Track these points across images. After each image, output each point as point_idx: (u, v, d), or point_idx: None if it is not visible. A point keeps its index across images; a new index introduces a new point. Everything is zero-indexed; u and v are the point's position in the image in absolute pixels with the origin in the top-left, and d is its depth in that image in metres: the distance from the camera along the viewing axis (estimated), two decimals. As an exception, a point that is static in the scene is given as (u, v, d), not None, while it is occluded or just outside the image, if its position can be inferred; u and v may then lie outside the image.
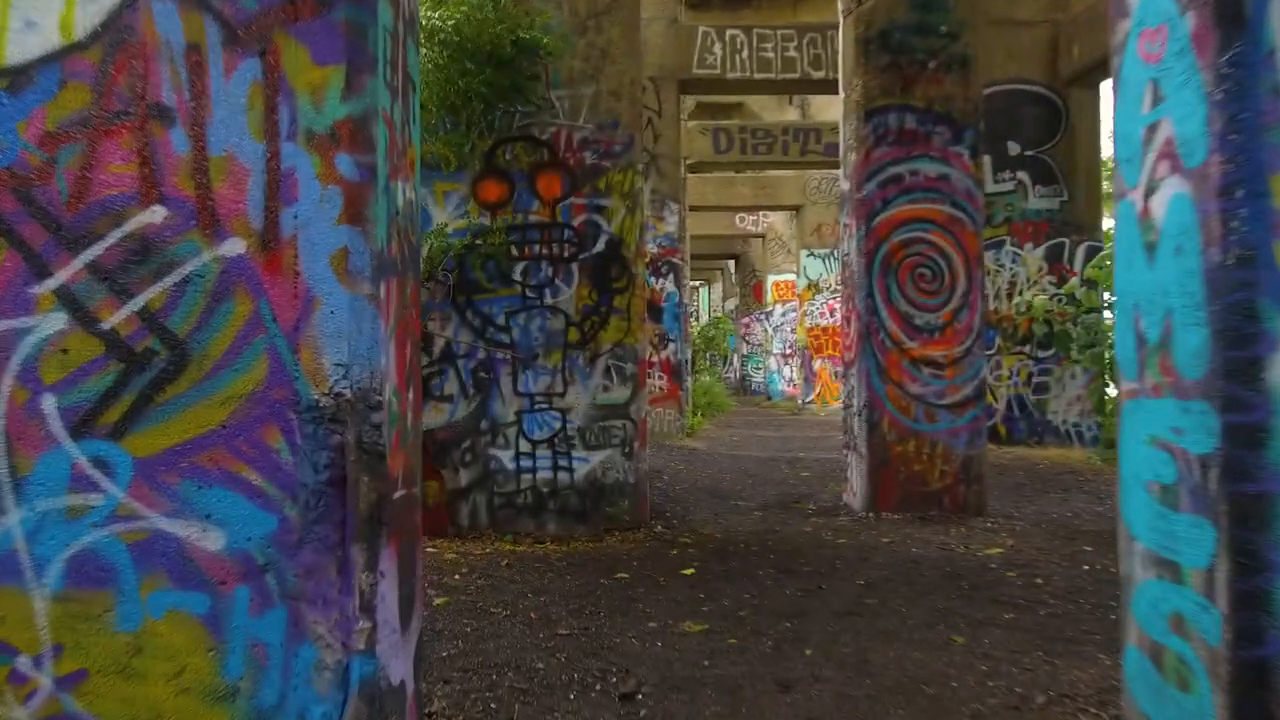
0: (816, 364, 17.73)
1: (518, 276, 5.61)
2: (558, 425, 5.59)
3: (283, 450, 1.92)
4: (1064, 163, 9.97)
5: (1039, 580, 4.27)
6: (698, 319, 35.76)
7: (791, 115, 17.29)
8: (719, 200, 18.06)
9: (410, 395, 2.36)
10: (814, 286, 17.83)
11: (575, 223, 5.62)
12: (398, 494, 2.16)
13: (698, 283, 36.68)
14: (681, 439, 9.68)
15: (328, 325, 1.94)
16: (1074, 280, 9.56)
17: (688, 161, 13.78)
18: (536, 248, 5.62)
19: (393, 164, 2.17)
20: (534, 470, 5.59)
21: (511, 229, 5.61)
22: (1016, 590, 4.09)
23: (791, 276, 20.29)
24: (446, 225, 5.57)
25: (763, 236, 21.98)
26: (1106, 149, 10.39)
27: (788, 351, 21.19)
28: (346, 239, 1.95)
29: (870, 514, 5.76)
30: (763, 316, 23.25)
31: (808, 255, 17.76)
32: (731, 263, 27.95)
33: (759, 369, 24.35)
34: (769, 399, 21.89)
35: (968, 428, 5.80)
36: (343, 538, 1.92)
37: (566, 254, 5.62)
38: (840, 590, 4.08)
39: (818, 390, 17.67)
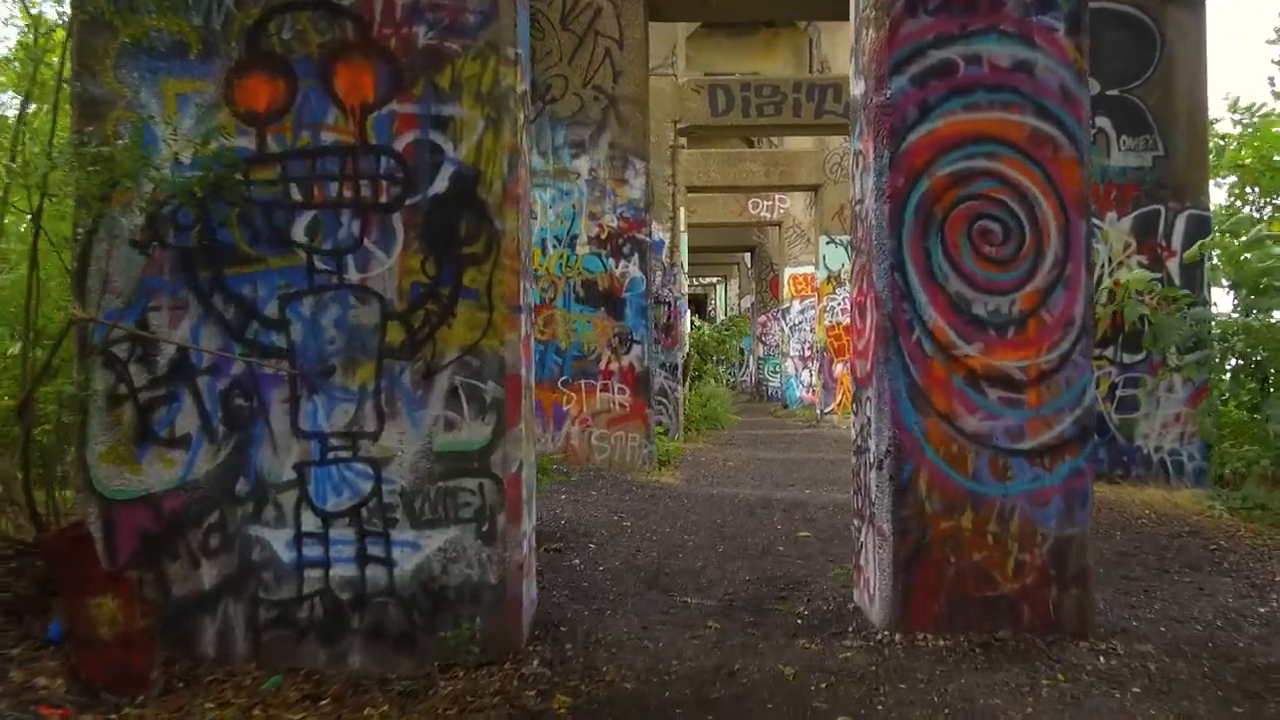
0: (837, 368, 15.32)
1: (301, 236, 3.34)
2: (368, 487, 3.31)
3: None
4: (1158, 106, 7.51)
5: None
6: (711, 319, 33.49)
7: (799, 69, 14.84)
8: (725, 179, 15.70)
9: None
10: (835, 279, 15.43)
11: (399, 145, 3.34)
12: None
13: (714, 279, 34.42)
14: (649, 473, 7.37)
15: None
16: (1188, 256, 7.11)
17: (679, 126, 11.46)
18: (333, 188, 3.34)
19: None
20: (326, 563, 3.31)
21: (291, 157, 3.34)
22: None
23: (810, 269, 17.88)
24: (180, 151, 3.30)
25: (779, 225, 19.59)
26: (1216, 88, 7.96)
27: (806, 354, 18.78)
28: None
29: (897, 635, 3.40)
30: (779, 314, 20.84)
31: (827, 243, 15.35)
32: (747, 255, 25.55)
33: (776, 373, 21.95)
34: (785, 406, 19.49)
35: (1062, 489, 3.44)
36: None
37: (384, 198, 3.33)
38: None
39: (839, 399, 15.26)
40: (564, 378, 7.48)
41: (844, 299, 15.31)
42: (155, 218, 3.33)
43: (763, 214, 19.16)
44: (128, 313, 3.32)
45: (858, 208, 3.77)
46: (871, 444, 3.55)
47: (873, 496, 3.54)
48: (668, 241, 11.14)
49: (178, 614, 3.32)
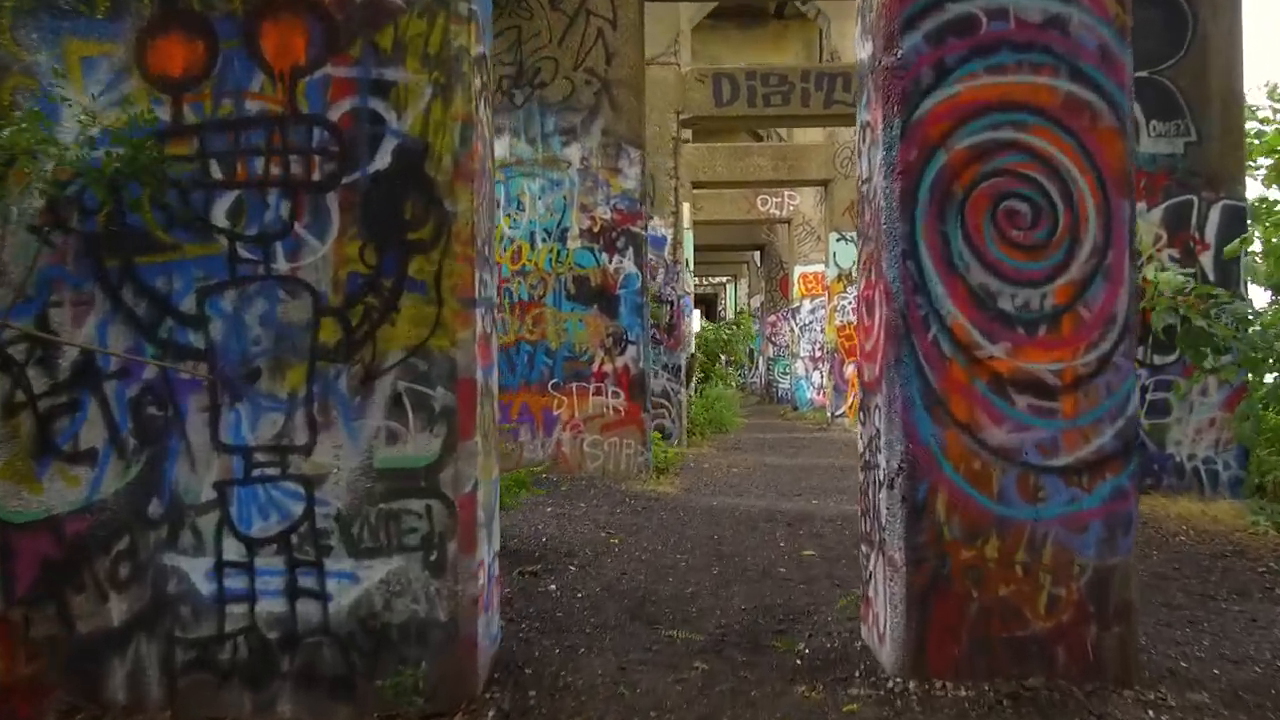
0: (848, 369, 14.83)
1: (222, 220, 2.90)
2: (298, 510, 2.87)
3: None
4: (1191, 88, 7.01)
5: None
6: (721, 320, 33.04)
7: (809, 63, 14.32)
8: (732, 174, 15.22)
9: None
10: (846, 277, 14.95)
11: (334, 115, 2.90)
12: None
13: (724, 279, 33.96)
14: (645, 482, 6.91)
15: None
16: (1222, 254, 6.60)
17: (682, 117, 10.99)
18: (259, 165, 2.90)
19: None
20: (252, 597, 2.87)
21: (212, 129, 2.91)
22: None
23: (820, 268, 17.40)
24: (88, 123, 2.87)
25: (788, 222, 19.10)
26: (1252, 70, 7.44)
27: (816, 354, 18.28)
28: None
29: (911, 683, 2.93)
30: (789, 314, 20.34)
31: (838, 239, 14.86)
32: (756, 254, 25.07)
33: (786, 374, 21.45)
34: (795, 409, 19.00)
35: (1102, 512, 2.96)
36: None
37: (317, 176, 2.90)
38: None
39: (850, 401, 14.76)
40: (554, 380, 7.03)
41: (855, 298, 14.81)
42: (57, 200, 2.90)
43: (771, 211, 18.68)
44: (25, 309, 2.89)
45: (865, 188, 3.30)
46: (881, 459, 3.09)
47: (883, 520, 3.08)
48: (670, 238, 10.68)
49: (83, 654, 2.89)
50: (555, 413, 7.00)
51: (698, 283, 30.41)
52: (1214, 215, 7.02)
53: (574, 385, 7.01)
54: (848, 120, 12.04)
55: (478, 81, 3.07)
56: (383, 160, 2.90)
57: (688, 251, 14.01)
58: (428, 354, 2.90)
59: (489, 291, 3.20)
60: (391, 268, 2.90)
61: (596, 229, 7.06)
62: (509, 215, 7.10)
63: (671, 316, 10.63)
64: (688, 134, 14.89)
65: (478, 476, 2.96)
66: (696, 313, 27.64)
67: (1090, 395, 2.96)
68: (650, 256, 10.52)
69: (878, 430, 3.12)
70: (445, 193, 2.91)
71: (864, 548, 3.35)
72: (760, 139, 18.80)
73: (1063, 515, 2.96)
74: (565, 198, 7.06)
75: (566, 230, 7.06)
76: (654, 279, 10.58)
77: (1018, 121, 2.97)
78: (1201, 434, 6.94)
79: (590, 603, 3.82)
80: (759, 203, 18.75)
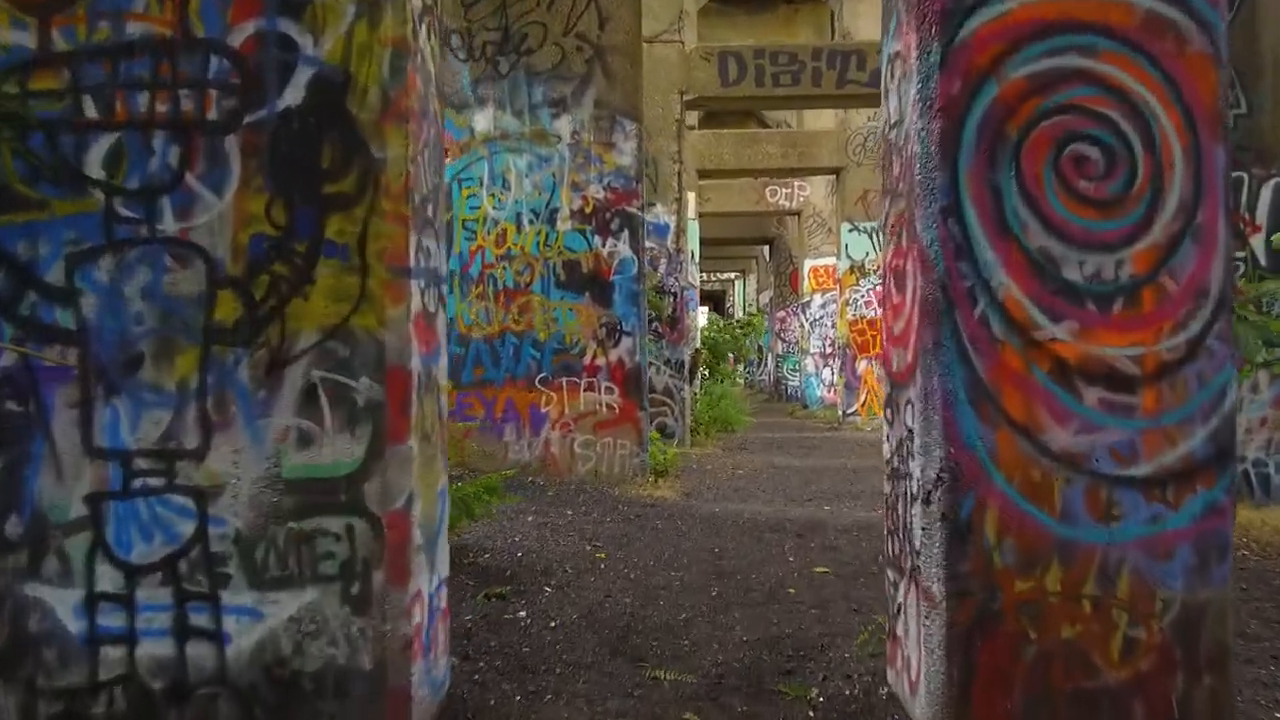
0: (861, 365, 14.23)
1: (97, 170, 2.34)
2: (188, 530, 2.31)
3: None
4: (1241, 56, 6.38)
5: None
6: (730, 316, 32.49)
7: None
8: (740, 162, 14.62)
9: None
10: (858, 269, 14.34)
11: (235, 40, 2.33)
12: None
13: (733, 274, 33.41)
14: (641, 485, 6.33)
15: None
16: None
17: (686, 98, 10.39)
18: (142, 101, 2.34)
19: None
20: (131, 638, 2.31)
21: (85, 58, 2.34)
22: None
23: (831, 260, 16.77)
24: (-70, 50, 2.31)
25: (798, 214, 18.50)
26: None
27: (827, 350, 17.67)
28: None
29: (954, 745, 2.35)
30: (799, 309, 19.73)
31: (850, 230, 14.25)
32: (766, 249, 24.46)
33: (795, 371, 20.84)
34: (805, 407, 18.40)
35: (1192, 534, 2.37)
36: None
37: (214, 115, 2.33)
38: None
39: (862, 399, 14.16)
40: (542, 375, 6.45)
41: (868, 291, 14.23)
42: (-109, 145, 2.34)
43: (781, 202, 18.08)
44: None
45: (892, 134, 2.71)
46: (914, 467, 2.50)
47: (916, 542, 2.49)
48: (673, 225, 10.10)
49: (-76, 707, 2.33)
50: (543, 410, 6.43)
51: (705, 279, 29.86)
52: (1265, 194, 6.41)
53: (564, 380, 6.43)
54: (862, 101, 11.44)
55: (416, 5, 2.50)
56: (294, 95, 2.33)
57: (693, 243, 13.39)
58: (349, 335, 2.33)
59: (433, 261, 2.62)
60: (305, 228, 2.34)
61: (589, 209, 6.47)
62: (493, 195, 6.51)
63: (674, 309, 10.05)
64: (693, 120, 14.32)
65: (413, 488, 2.39)
66: (703, 309, 27.07)
67: (1177, 388, 2.37)
68: (652, 245, 9.96)
69: (909, 431, 2.54)
70: (371, 135, 2.34)
71: (890, 574, 2.76)
72: (767, 127, 18.18)
73: (1142, 538, 2.37)
74: (554, 175, 6.47)
75: (556, 211, 6.47)
76: (656, 269, 10.00)
77: (1085, 46, 2.38)
78: (1252, 434, 6.33)
79: (565, 634, 3.24)
80: (768, 194, 18.16)
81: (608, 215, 6.46)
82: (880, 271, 3.80)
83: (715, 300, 36.44)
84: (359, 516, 2.32)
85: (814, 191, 17.81)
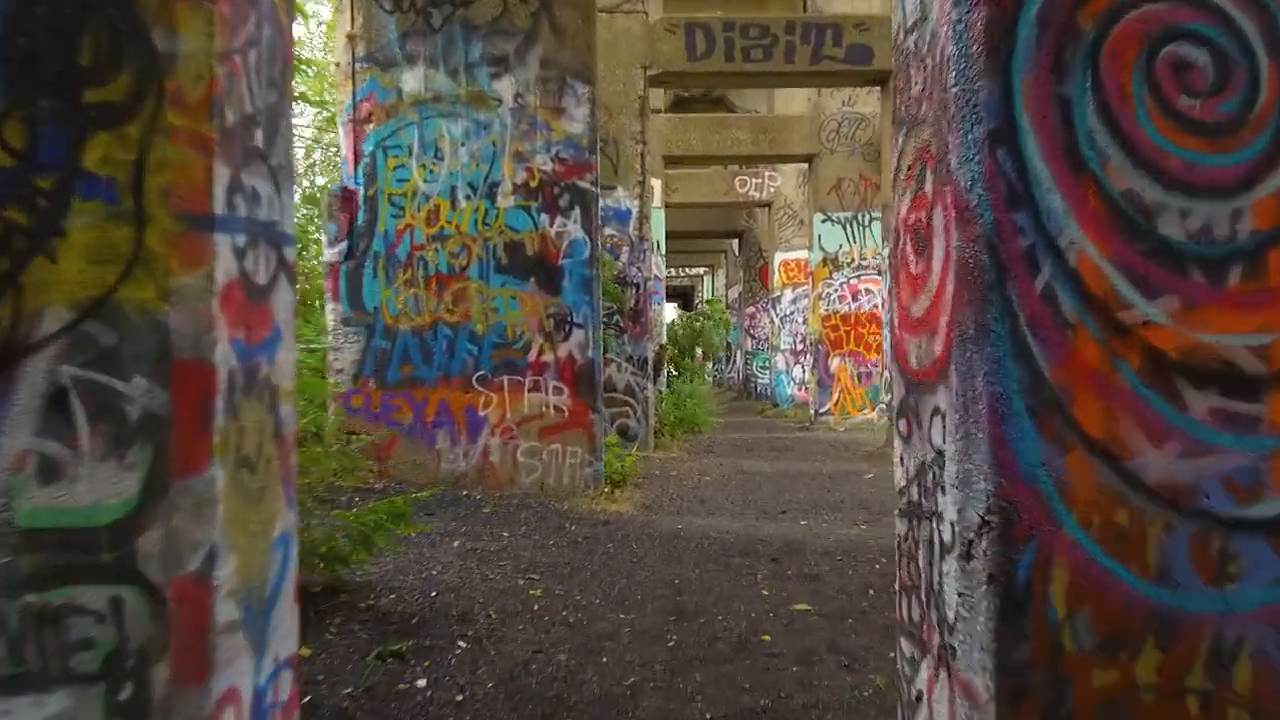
0: (834, 362, 13.58)
1: None
2: None
3: None
4: None
5: None
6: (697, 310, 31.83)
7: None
8: (708, 148, 13.92)
9: None
10: (831, 262, 13.70)
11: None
12: None
13: (701, 269, 32.78)
14: (593, 499, 5.57)
15: None
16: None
17: (650, 73, 9.64)
18: None
19: None
20: None
21: None
22: None
23: (803, 253, 16.13)
24: None
25: (769, 205, 17.84)
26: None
27: (799, 347, 17.04)
28: None
29: None
30: (769, 304, 19.09)
31: (823, 220, 13.60)
32: (735, 242, 23.80)
33: (766, 368, 20.20)
34: (775, 405, 17.76)
35: (1335, 596, 1.66)
36: None
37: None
38: None
39: (835, 398, 13.53)
40: (480, 373, 5.67)
41: (842, 284, 13.60)
42: None
43: (751, 193, 17.43)
44: None
45: (912, 40, 1.98)
46: (945, 505, 1.77)
47: (949, 612, 1.76)
48: (636, 211, 9.35)
49: None
50: (481, 413, 5.65)
51: (673, 274, 29.18)
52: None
53: (505, 379, 5.66)
54: (838, 79, 10.77)
55: None
56: (33, -45, 1.55)
57: (658, 233, 12.65)
58: (116, 315, 1.56)
59: (262, 210, 1.85)
60: (53, 154, 1.56)
61: (534, 183, 5.69)
62: (424, 166, 5.72)
63: (637, 301, 9.31)
64: (660, 103, 13.60)
65: (215, 540, 1.62)
66: (670, 306, 26.40)
67: (1319, 392, 1.67)
68: (613, 232, 9.22)
69: (938, 454, 1.81)
70: (155, 19, 1.58)
71: (906, 646, 2.03)
72: (726, 87, 17.43)
73: (1271, 606, 1.66)
74: (495, 144, 5.69)
75: (496, 185, 5.68)
76: (617, 258, 9.25)
77: (1192, -95, 1.66)
78: None
79: (474, 711, 2.48)
80: (737, 184, 17.50)
81: (556, 190, 5.68)
82: (888, 236, 3.09)
83: (683, 296, 35.78)
84: (130, 584, 1.55)
85: (785, 182, 17.17)
